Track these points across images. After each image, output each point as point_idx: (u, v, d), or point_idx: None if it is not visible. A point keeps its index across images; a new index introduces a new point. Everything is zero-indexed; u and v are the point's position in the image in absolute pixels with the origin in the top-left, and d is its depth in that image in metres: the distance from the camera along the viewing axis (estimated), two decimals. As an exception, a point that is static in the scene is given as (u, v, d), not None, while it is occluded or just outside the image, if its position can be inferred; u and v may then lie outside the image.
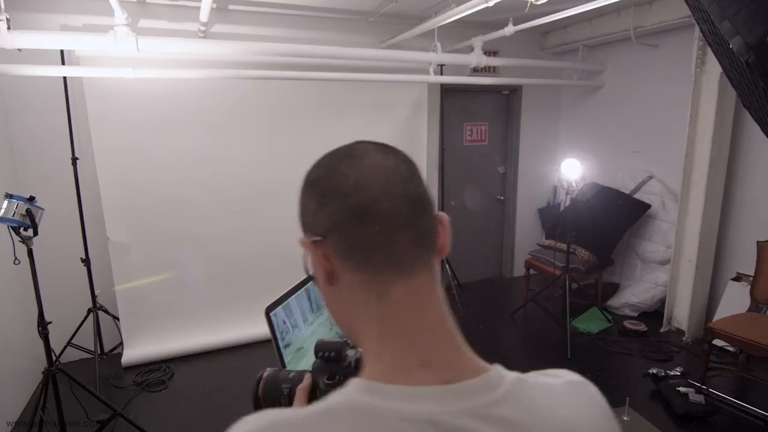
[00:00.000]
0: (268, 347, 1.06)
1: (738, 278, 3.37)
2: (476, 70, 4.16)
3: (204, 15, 2.86)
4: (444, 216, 0.51)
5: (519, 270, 4.79)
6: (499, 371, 0.46)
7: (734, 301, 3.24)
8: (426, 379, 0.43)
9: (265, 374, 0.74)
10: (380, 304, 0.46)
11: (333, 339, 0.69)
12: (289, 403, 0.70)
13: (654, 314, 3.84)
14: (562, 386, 0.47)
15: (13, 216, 1.99)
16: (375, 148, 0.50)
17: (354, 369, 0.68)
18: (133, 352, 3.29)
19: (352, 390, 0.43)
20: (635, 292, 3.93)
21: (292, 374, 0.73)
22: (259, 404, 0.73)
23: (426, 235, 0.48)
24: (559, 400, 0.46)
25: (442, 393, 0.42)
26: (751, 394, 2.80)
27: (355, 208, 0.45)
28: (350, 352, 0.70)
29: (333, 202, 0.47)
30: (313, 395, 0.68)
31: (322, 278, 0.49)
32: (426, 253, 0.48)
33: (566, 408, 0.46)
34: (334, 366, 0.67)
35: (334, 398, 0.43)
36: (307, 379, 0.69)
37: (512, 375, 0.46)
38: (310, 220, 0.49)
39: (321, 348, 0.69)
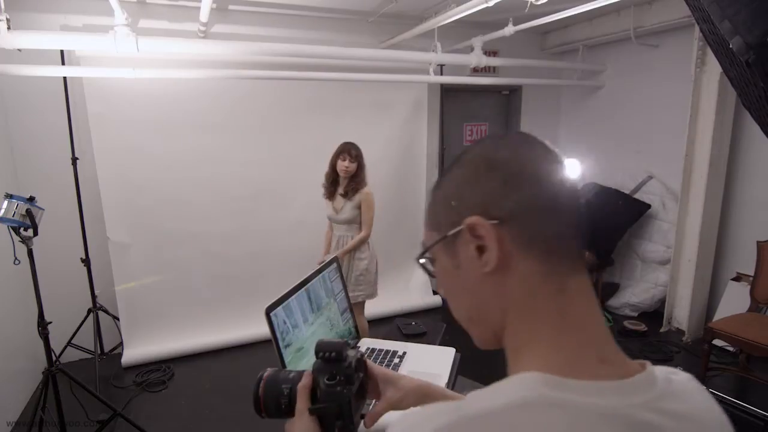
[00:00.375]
0: (269, 347, 1.06)
1: (738, 278, 3.37)
2: (476, 70, 4.16)
3: (204, 15, 2.86)
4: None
5: (519, 270, 4.79)
6: (652, 368, 0.46)
7: (734, 301, 3.24)
8: (607, 374, 0.43)
9: (265, 375, 0.74)
10: (559, 297, 0.45)
11: (334, 339, 0.69)
12: (290, 403, 0.69)
13: (654, 314, 3.84)
14: (690, 382, 0.48)
15: (13, 216, 1.99)
16: (546, 143, 0.50)
17: (354, 369, 0.68)
18: (133, 352, 3.29)
19: (538, 384, 0.41)
20: (635, 292, 3.93)
21: (292, 374, 0.73)
22: (259, 405, 0.73)
23: (583, 237, 0.47)
24: (698, 395, 0.47)
25: (621, 387, 0.42)
26: (751, 394, 2.81)
27: (550, 198, 0.45)
28: (351, 353, 0.70)
29: (526, 187, 0.45)
30: (314, 394, 0.68)
31: (486, 265, 0.46)
32: (583, 254, 0.48)
33: (704, 401, 0.47)
34: (335, 366, 0.67)
35: (520, 390, 0.41)
36: (307, 377, 0.69)
37: (660, 373, 0.46)
38: (485, 202, 0.46)
39: (322, 348, 0.69)
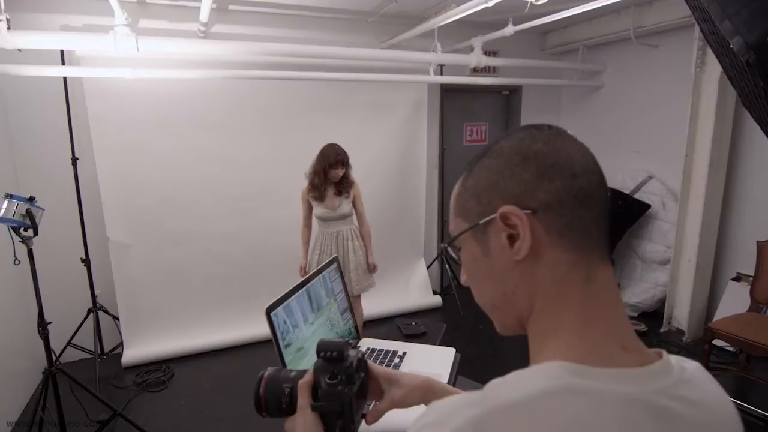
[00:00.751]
0: (269, 347, 1.06)
1: (738, 278, 3.37)
2: (476, 70, 4.16)
3: (204, 15, 2.86)
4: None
5: (519, 270, 4.79)
6: (668, 356, 0.47)
7: (734, 301, 3.24)
8: (629, 362, 0.44)
9: (266, 374, 0.74)
10: (586, 286, 0.47)
11: (335, 339, 0.70)
12: (291, 402, 0.70)
13: (654, 314, 3.85)
14: (699, 371, 0.49)
15: (13, 216, 1.99)
16: (572, 136, 0.51)
17: (356, 369, 0.68)
18: (133, 352, 3.29)
19: (562, 372, 0.42)
20: (635, 292, 3.93)
21: (293, 374, 0.73)
22: (260, 404, 0.73)
23: (608, 230, 0.49)
24: (709, 383, 0.49)
25: (642, 375, 0.43)
26: (751, 394, 2.81)
27: (582, 190, 0.46)
28: (352, 353, 0.70)
29: (560, 179, 0.46)
30: (315, 393, 0.68)
31: (516, 252, 0.47)
32: (608, 246, 0.49)
33: (715, 389, 0.49)
34: (336, 366, 0.68)
35: (544, 380, 0.41)
36: (308, 375, 0.69)
37: (674, 361, 0.47)
38: (519, 192, 0.47)
39: (323, 348, 0.69)
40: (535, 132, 0.50)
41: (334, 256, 2.89)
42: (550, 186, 0.46)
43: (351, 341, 0.72)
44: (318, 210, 2.92)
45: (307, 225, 3.01)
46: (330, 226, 2.95)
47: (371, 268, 3.04)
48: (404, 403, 0.76)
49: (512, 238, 0.48)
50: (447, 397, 0.45)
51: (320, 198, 2.90)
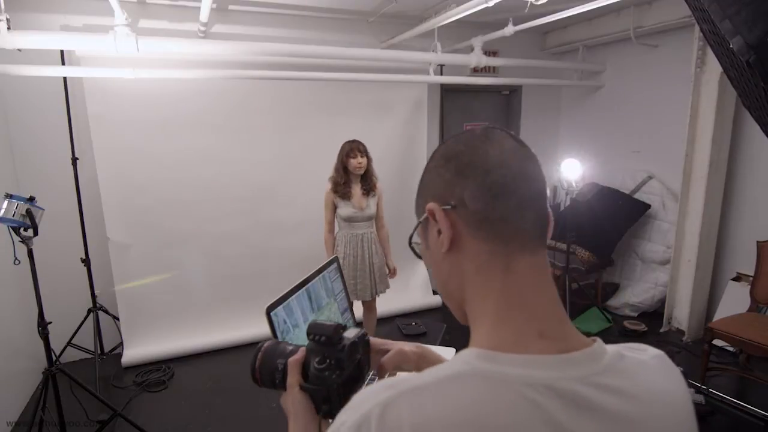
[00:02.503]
0: (269, 347, 1.06)
1: (738, 278, 3.37)
2: (476, 70, 4.16)
3: (204, 15, 2.86)
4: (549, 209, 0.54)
5: (519, 270, 4.79)
6: (601, 344, 0.49)
7: (734, 301, 3.24)
8: (543, 349, 0.46)
9: (264, 345, 0.74)
10: (505, 274, 0.49)
11: (326, 322, 0.68)
12: (283, 378, 0.69)
13: (654, 314, 3.84)
14: (652, 360, 0.51)
15: (13, 216, 1.99)
16: (509, 135, 0.54)
17: (349, 353, 0.67)
18: (133, 352, 3.29)
19: (472, 358, 0.45)
20: (635, 292, 3.93)
21: (289, 348, 0.73)
22: (255, 375, 0.73)
23: (544, 219, 0.52)
24: (654, 374, 0.49)
25: (558, 361, 0.45)
26: (751, 394, 2.81)
27: (495, 184, 0.49)
28: (349, 334, 0.69)
29: (473, 175, 0.50)
30: (306, 371, 0.68)
31: (441, 245, 0.52)
32: (543, 235, 0.52)
33: (662, 381, 0.50)
34: (327, 349, 0.67)
35: (456, 365, 0.45)
36: (300, 353, 0.69)
37: (612, 348, 0.49)
38: (442, 190, 0.52)
39: (313, 330, 0.68)
40: (464, 135, 0.54)
41: (355, 258, 2.89)
42: (465, 182, 0.50)
43: (345, 324, 0.70)
44: (345, 210, 2.81)
45: (331, 230, 2.90)
46: (355, 228, 2.85)
47: (392, 272, 2.99)
48: (403, 368, 0.79)
49: (440, 233, 0.52)
50: (374, 383, 0.48)
51: (347, 196, 2.79)
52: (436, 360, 0.81)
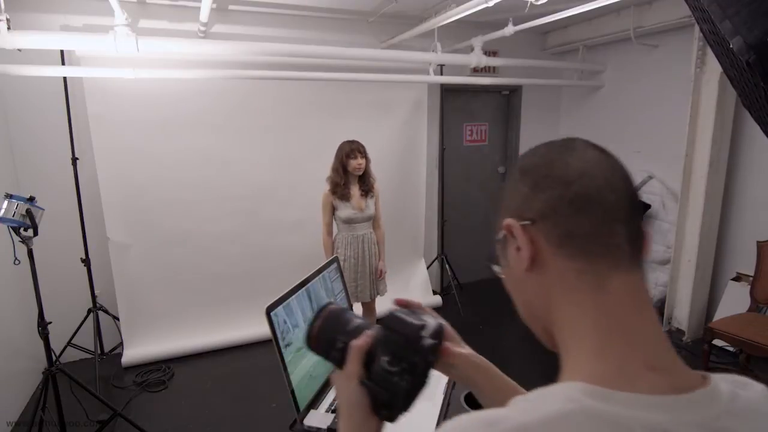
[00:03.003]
0: (269, 347, 1.06)
1: (738, 278, 3.37)
2: (476, 70, 4.16)
3: (204, 15, 2.86)
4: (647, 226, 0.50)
5: (519, 270, 4.79)
6: (716, 382, 0.44)
7: (734, 301, 3.24)
8: (655, 385, 0.41)
9: (327, 311, 0.65)
10: (597, 295, 0.45)
11: (408, 318, 0.59)
12: (340, 358, 0.61)
13: (654, 314, 3.84)
14: (763, 398, 0.46)
15: (13, 216, 1.99)
16: (591, 144, 0.51)
17: (423, 358, 0.58)
18: (133, 352, 3.29)
19: (579, 394, 0.41)
20: (635, 292, 3.93)
21: (354, 324, 0.63)
22: (310, 343, 0.65)
23: (639, 235, 0.47)
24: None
25: (676, 403, 0.41)
26: (751, 394, 2.80)
27: (578, 196, 0.46)
28: (425, 333, 0.59)
29: (552, 188, 0.47)
30: (368, 363, 0.59)
31: (522, 264, 0.48)
32: (638, 252, 0.47)
33: None
34: (401, 350, 0.57)
35: (560, 402, 0.40)
36: (365, 338, 0.60)
37: (723, 386, 0.44)
38: (519, 205, 0.49)
39: (393, 324, 0.58)
40: (541, 147, 0.52)
41: (356, 259, 2.89)
42: (543, 195, 0.47)
43: (425, 323, 0.59)
44: (344, 212, 2.78)
45: (330, 232, 2.87)
46: (355, 229, 2.83)
47: (379, 273, 2.95)
48: (450, 371, 0.71)
49: (519, 249, 0.49)
50: (465, 415, 0.43)
51: (346, 197, 2.77)
52: (505, 385, 0.71)
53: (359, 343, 0.59)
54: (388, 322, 0.59)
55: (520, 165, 0.51)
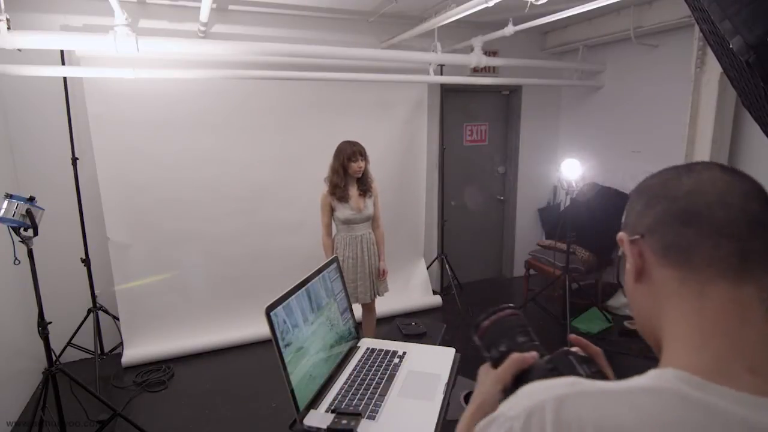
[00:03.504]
0: (269, 347, 1.06)
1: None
2: (476, 70, 4.16)
3: (204, 15, 2.86)
4: None
5: (519, 270, 4.79)
6: None
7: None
8: (758, 388, 0.42)
9: (508, 313, 0.68)
10: (699, 301, 0.47)
11: (576, 363, 0.57)
12: (497, 360, 0.63)
13: (654, 314, 3.84)
14: None
15: (13, 216, 1.99)
16: (719, 165, 0.52)
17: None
18: (133, 352, 3.29)
19: (672, 377, 0.43)
20: (635, 292, 3.93)
21: (524, 341, 0.64)
22: (478, 333, 0.67)
23: (760, 255, 0.47)
24: None
25: None
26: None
27: (683, 211, 0.49)
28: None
29: (661, 203, 0.51)
30: (521, 378, 0.59)
31: (632, 276, 0.53)
32: (751, 268, 0.47)
33: None
34: (585, 367, 0.57)
35: (653, 380, 0.43)
36: (527, 358, 0.60)
37: None
38: (633, 221, 0.54)
39: (561, 365, 0.58)
40: (663, 170, 0.56)
41: (355, 260, 2.89)
42: (653, 211, 0.51)
43: (588, 372, 0.56)
44: (343, 212, 2.77)
45: (329, 234, 2.85)
46: (354, 230, 2.82)
47: (381, 273, 2.94)
48: None
49: (629, 263, 0.53)
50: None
51: (345, 198, 2.76)
52: None
53: (521, 359, 0.60)
54: (558, 361, 0.58)
55: (639, 186, 0.57)
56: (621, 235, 0.54)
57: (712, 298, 0.47)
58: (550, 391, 0.44)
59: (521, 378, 0.59)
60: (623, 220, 0.57)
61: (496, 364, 0.63)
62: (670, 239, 0.49)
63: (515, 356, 0.61)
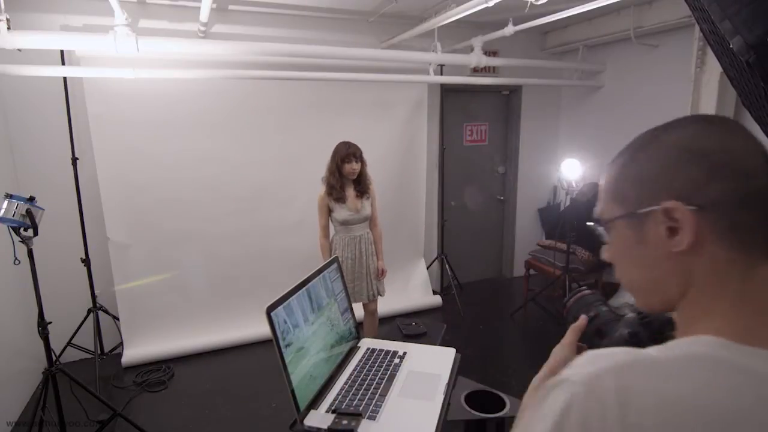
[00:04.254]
0: (269, 347, 1.06)
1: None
2: (476, 70, 4.16)
3: (204, 15, 2.86)
4: None
5: (519, 270, 4.79)
6: None
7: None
8: None
9: (584, 293, 0.80)
10: (744, 282, 0.47)
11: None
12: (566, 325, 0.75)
13: (654, 314, 3.84)
14: None
15: (13, 216, 1.99)
16: (750, 134, 0.52)
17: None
18: (133, 352, 3.29)
19: (708, 343, 0.44)
20: (635, 292, 3.92)
21: (596, 313, 0.75)
22: (563, 310, 0.81)
23: None
24: None
25: None
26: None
27: (753, 191, 0.47)
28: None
29: (731, 179, 0.47)
30: (595, 332, 0.72)
31: (675, 246, 0.49)
32: None
33: None
34: (645, 330, 0.69)
35: (690, 347, 0.44)
36: (581, 320, 0.72)
37: None
38: (686, 187, 0.48)
39: (632, 329, 0.70)
40: (707, 126, 0.51)
41: (353, 260, 2.89)
42: (720, 186, 0.47)
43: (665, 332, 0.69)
44: (340, 213, 2.77)
45: (326, 235, 2.85)
46: (351, 231, 2.82)
47: (380, 273, 2.94)
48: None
49: (672, 230, 0.49)
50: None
51: (341, 199, 2.76)
52: None
53: (577, 326, 0.72)
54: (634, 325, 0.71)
55: (684, 144, 0.50)
56: (675, 204, 0.48)
57: (755, 280, 0.47)
58: (610, 359, 0.45)
59: (601, 336, 0.72)
60: (650, 175, 0.51)
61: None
62: (732, 219, 0.47)
63: (573, 325, 0.71)
